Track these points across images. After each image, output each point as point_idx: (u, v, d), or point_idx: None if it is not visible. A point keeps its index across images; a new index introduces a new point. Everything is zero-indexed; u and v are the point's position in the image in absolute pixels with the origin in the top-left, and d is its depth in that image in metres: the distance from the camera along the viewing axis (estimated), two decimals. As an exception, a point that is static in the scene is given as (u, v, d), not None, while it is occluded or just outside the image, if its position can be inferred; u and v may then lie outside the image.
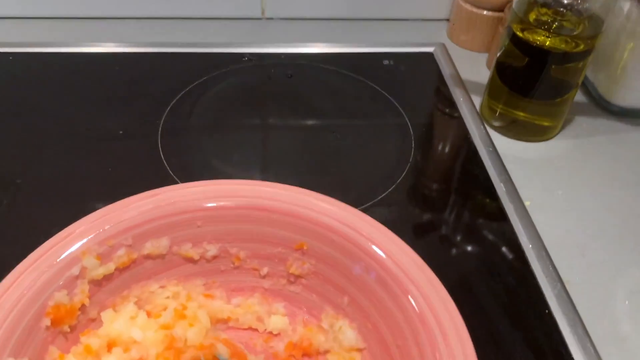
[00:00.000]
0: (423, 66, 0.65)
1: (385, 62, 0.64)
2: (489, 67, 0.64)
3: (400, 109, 0.58)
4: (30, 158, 0.50)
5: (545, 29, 0.49)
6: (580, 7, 0.49)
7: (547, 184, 0.50)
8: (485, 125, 0.56)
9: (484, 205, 0.49)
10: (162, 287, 0.37)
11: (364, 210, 0.37)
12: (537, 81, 0.51)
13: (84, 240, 0.34)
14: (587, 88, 0.60)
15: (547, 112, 0.54)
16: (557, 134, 0.56)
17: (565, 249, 0.44)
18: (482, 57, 0.66)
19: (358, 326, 0.35)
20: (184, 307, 0.35)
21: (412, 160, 0.52)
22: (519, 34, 0.50)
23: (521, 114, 0.54)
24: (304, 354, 0.35)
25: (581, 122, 0.57)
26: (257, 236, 0.38)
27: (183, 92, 0.58)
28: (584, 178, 0.51)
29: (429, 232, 0.47)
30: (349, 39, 0.67)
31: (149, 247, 0.36)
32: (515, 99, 0.53)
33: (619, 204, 0.49)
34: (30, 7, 0.67)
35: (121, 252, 0.35)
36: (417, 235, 0.46)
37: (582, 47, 0.49)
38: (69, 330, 0.33)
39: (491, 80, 0.56)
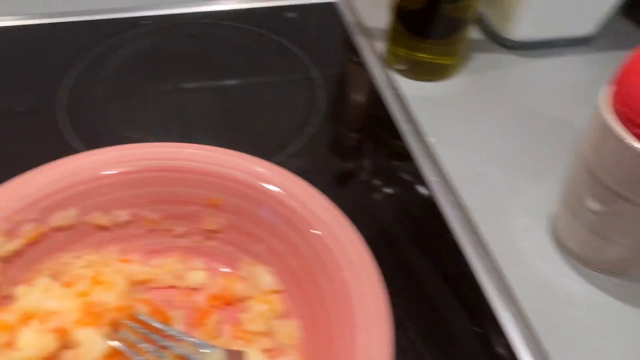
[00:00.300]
0: (327, 16, 0.65)
1: (289, 14, 0.64)
2: (391, 13, 0.66)
3: (306, 60, 0.58)
4: None
5: (434, -30, 0.51)
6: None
7: (450, 120, 0.53)
8: (390, 70, 0.58)
9: (391, 147, 0.51)
10: (76, 257, 0.37)
11: (278, 162, 0.38)
12: (432, 21, 0.53)
13: (-13, 219, 0.33)
14: (484, 25, 0.63)
15: (446, 51, 0.56)
16: (457, 71, 0.58)
17: (468, 178, 0.47)
18: (385, 3, 0.67)
19: (276, 271, 0.37)
20: (100, 274, 0.35)
21: (320, 110, 0.53)
22: (411, -24, 0.52)
23: (422, 55, 0.56)
24: (226, 303, 0.36)
25: (480, 59, 0.60)
26: (169, 197, 0.38)
27: (82, 62, 0.56)
28: (484, 111, 0.54)
29: (341, 176, 0.48)
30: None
31: (57, 219, 0.36)
32: (414, 41, 0.55)
33: (515, 131, 0.52)
34: None
35: (28, 227, 0.35)
36: (330, 180, 0.48)
37: (470, -16, 0.51)
38: (-18, 309, 0.33)
39: (391, 24, 0.57)
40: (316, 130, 0.51)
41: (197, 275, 0.37)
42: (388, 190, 0.47)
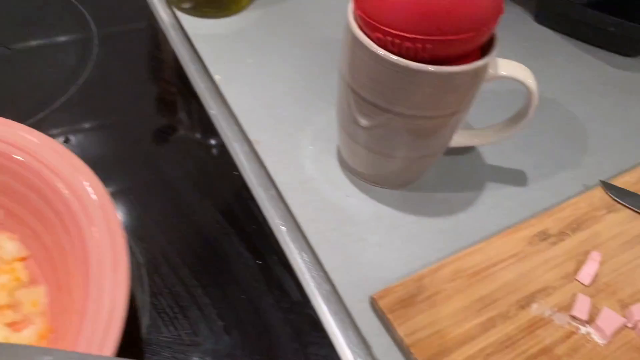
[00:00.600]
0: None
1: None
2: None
3: (81, 7, 0.52)
4: None
5: None
6: None
7: (238, 55, 0.50)
8: (174, 9, 0.53)
9: (176, 88, 0.48)
10: None
11: (40, 119, 0.33)
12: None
13: None
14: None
15: (230, -16, 0.53)
16: (246, 6, 0.55)
17: (256, 112, 0.45)
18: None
19: (20, 237, 0.32)
20: None
21: (96, 58, 0.48)
22: None
23: (204, -10, 0.52)
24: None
25: (271, -8, 0.58)
26: None
27: None
28: (274, 43, 0.52)
29: (113, 122, 0.44)
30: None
31: None
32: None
33: (306, 62, 0.51)
34: None
35: None
36: (102, 129, 0.43)
37: None
38: None
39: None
40: (88, 79, 0.46)
41: None
42: (168, 131, 0.44)
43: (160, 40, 0.51)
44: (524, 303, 0.34)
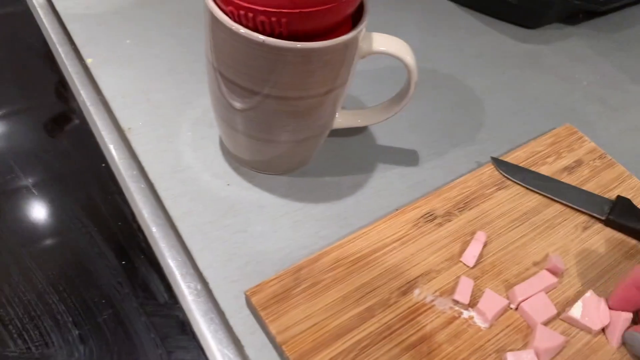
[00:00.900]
0: None
1: None
2: None
3: None
4: None
5: None
6: None
7: (114, 36, 0.46)
8: (44, -13, 0.49)
9: (45, 72, 0.43)
10: None
11: None
12: None
13: None
14: None
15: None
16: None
17: (130, 97, 0.42)
18: None
19: None
20: None
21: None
22: None
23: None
24: None
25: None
26: None
27: None
28: (155, 21, 0.48)
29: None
30: None
31: None
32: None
33: (190, 40, 0.47)
34: None
35: None
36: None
37: None
38: None
39: None
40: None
41: None
42: (35, 119, 0.40)
43: (28, 20, 0.46)
44: (406, 289, 0.33)
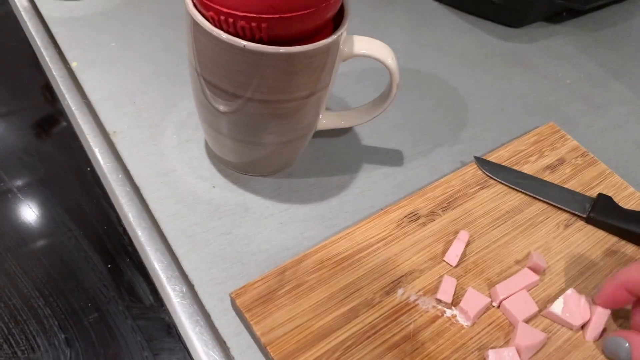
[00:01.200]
0: None
1: None
2: None
3: None
4: None
5: None
6: None
7: (99, 39, 0.46)
8: (28, -10, 0.49)
9: (31, 76, 0.43)
10: None
11: None
12: None
13: None
14: None
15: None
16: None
17: (116, 100, 0.42)
18: None
19: None
20: None
21: None
22: None
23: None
24: None
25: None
26: None
27: None
28: (140, 24, 0.48)
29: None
30: None
31: None
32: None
33: (175, 42, 0.47)
34: None
35: None
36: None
37: None
38: None
39: None
40: None
41: None
42: (17, 121, 0.40)
43: (13, 23, 0.46)
44: (390, 289, 0.33)
